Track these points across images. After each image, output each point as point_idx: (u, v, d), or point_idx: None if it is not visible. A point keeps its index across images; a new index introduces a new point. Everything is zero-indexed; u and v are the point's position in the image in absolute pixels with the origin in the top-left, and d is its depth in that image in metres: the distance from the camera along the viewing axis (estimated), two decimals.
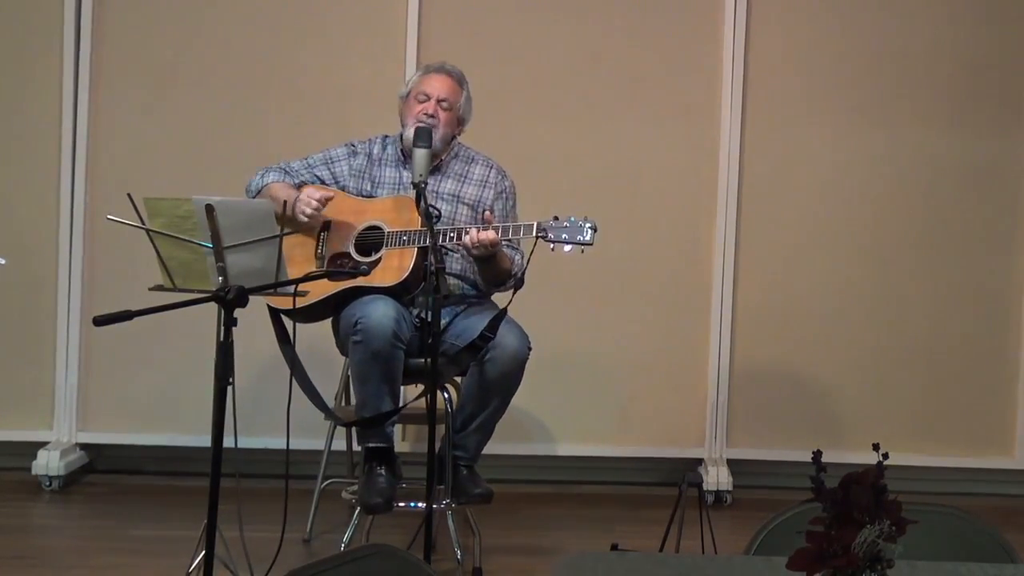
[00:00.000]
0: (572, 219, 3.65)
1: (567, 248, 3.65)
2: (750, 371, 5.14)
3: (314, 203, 3.83)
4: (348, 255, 3.86)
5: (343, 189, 4.02)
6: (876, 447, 1.70)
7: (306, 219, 3.85)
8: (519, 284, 3.82)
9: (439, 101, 3.96)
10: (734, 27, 5.06)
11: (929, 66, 5.13)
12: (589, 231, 3.64)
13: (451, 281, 3.91)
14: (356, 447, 4.19)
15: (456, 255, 3.95)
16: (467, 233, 3.70)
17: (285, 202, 3.75)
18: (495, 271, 3.88)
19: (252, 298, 3.01)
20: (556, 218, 3.66)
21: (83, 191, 4.96)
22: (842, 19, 5.12)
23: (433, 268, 3.46)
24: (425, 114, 3.92)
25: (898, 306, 5.17)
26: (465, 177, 4.06)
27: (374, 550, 2.03)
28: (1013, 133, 5.15)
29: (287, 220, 3.72)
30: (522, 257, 3.94)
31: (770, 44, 5.11)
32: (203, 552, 3.12)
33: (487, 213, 3.85)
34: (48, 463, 4.80)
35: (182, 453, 4.98)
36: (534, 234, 3.66)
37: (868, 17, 5.12)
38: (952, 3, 5.13)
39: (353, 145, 4.09)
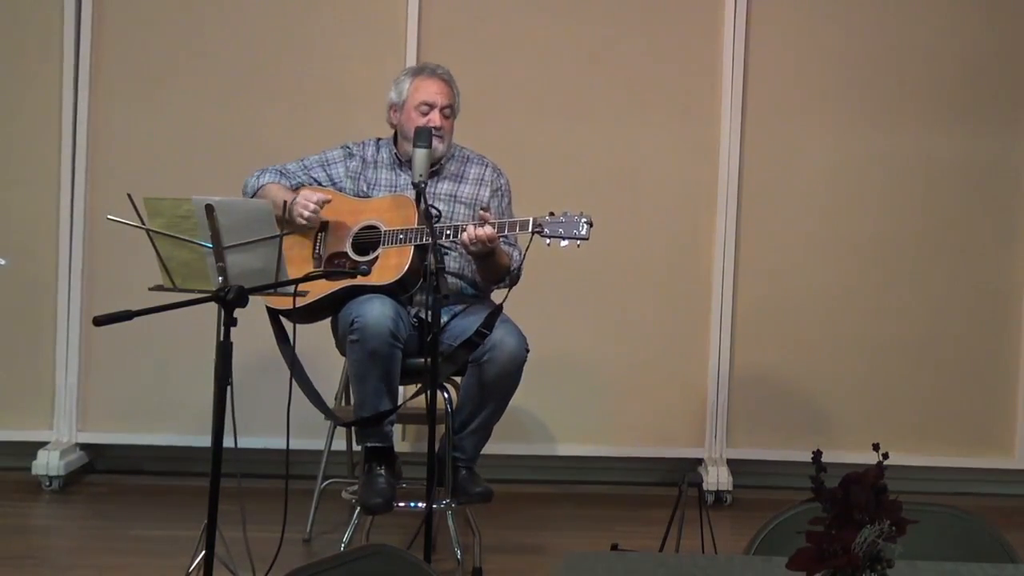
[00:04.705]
0: (568, 214, 3.65)
1: (563, 243, 3.65)
2: (750, 371, 5.14)
3: (312, 205, 3.83)
4: (345, 255, 3.87)
5: (340, 191, 4.02)
6: (876, 447, 1.70)
7: (304, 221, 3.84)
8: (515, 280, 3.83)
9: (443, 109, 3.94)
10: (734, 27, 5.06)
11: (929, 66, 5.13)
12: (585, 226, 3.64)
13: (450, 280, 3.91)
14: (356, 447, 4.19)
15: (454, 253, 3.95)
16: (464, 230, 3.70)
17: (285, 202, 3.76)
18: (493, 268, 3.87)
19: (252, 298, 3.02)
20: (552, 213, 3.66)
21: (83, 191, 4.96)
22: (842, 19, 5.12)
23: (433, 268, 3.46)
24: (434, 127, 3.89)
25: (898, 306, 5.17)
26: (461, 177, 4.06)
27: (374, 550, 2.03)
28: (1013, 133, 5.16)
29: (285, 221, 3.72)
30: (519, 253, 3.93)
31: (770, 44, 5.11)
32: (203, 552, 3.12)
33: (481, 211, 3.85)
34: (48, 463, 4.80)
35: (182, 453, 4.98)
36: (530, 230, 3.66)
37: (868, 17, 5.12)
38: (952, 3, 5.13)
39: (348, 147, 4.08)
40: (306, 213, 3.83)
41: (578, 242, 3.64)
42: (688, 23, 5.10)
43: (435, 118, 3.93)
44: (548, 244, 3.67)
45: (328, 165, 4.05)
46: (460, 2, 5.07)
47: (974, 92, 5.14)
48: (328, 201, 3.86)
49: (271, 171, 4.03)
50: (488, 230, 3.67)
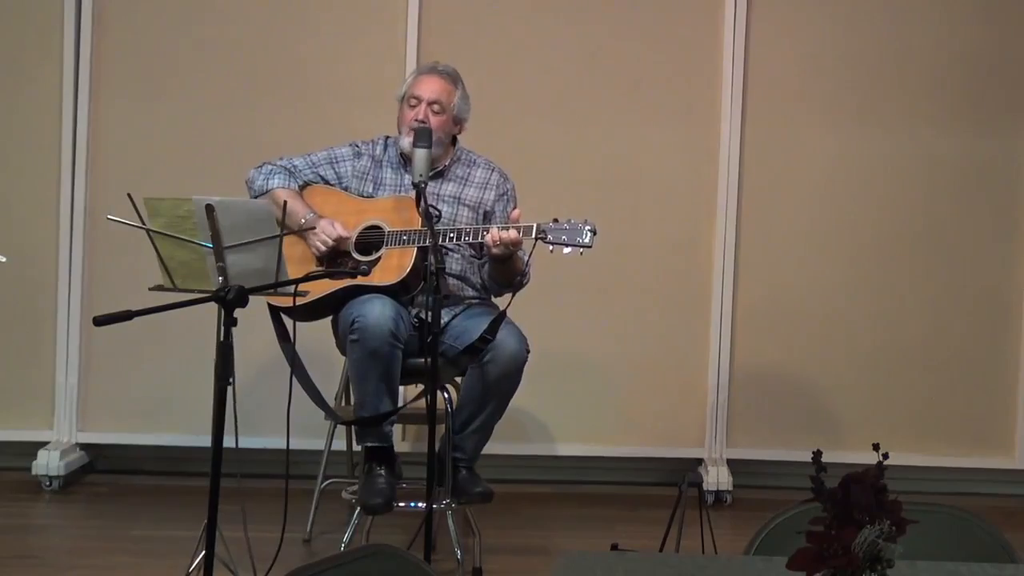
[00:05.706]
0: (572, 221, 3.65)
1: (566, 250, 3.64)
2: (750, 371, 5.14)
3: (330, 242, 3.85)
4: (348, 254, 3.87)
5: (345, 189, 4.02)
6: (876, 447, 1.70)
7: (315, 250, 3.86)
8: (521, 285, 3.83)
9: (430, 104, 3.94)
10: (734, 27, 5.06)
11: (929, 66, 5.13)
12: (588, 234, 3.64)
13: (451, 282, 3.91)
14: (356, 447, 4.19)
15: (456, 255, 3.95)
16: (488, 232, 3.69)
17: (286, 202, 3.75)
18: (510, 271, 3.85)
19: (252, 298, 3.02)
20: (556, 220, 3.66)
21: (83, 191, 4.96)
22: (842, 19, 5.12)
23: (433, 268, 3.46)
24: (416, 120, 3.91)
25: (898, 306, 5.17)
26: (466, 180, 4.05)
27: (374, 550, 2.03)
28: (1013, 133, 5.16)
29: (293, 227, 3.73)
30: (526, 255, 3.93)
31: (770, 44, 5.11)
32: (203, 552, 3.12)
33: (515, 211, 3.84)
34: (48, 463, 4.80)
35: (182, 453, 4.98)
36: (533, 235, 3.66)
37: (868, 17, 5.12)
38: (952, 3, 5.13)
39: (357, 146, 4.08)
40: (323, 248, 3.86)
41: (581, 250, 3.64)
42: (688, 23, 5.10)
43: (420, 111, 3.93)
44: (551, 251, 3.67)
45: (336, 163, 4.05)
46: (460, 3, 5.08)
47: (974, 92, 5.14)
48: (347, 238, 3.87)
49: (279, 172, 4.01)
50: (513, 233, 3.66)
